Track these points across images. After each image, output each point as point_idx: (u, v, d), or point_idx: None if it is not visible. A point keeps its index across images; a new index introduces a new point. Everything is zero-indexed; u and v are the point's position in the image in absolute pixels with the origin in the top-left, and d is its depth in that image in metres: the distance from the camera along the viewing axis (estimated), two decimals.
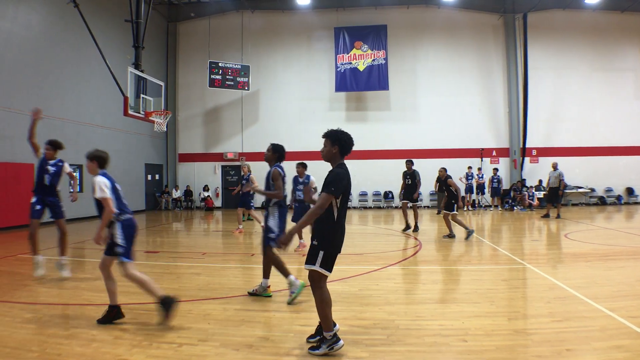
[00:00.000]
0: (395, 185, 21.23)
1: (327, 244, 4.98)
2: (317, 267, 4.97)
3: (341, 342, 4.93)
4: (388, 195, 27.00)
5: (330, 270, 5.04)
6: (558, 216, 19.16)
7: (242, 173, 15.12)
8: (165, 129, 18.64)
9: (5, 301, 7.12)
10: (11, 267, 10.15)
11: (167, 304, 5.88)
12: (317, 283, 5.05)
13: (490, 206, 25.38)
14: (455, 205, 13.84)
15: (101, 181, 6.52)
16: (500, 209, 24.70)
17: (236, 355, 4.93)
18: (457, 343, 5.22)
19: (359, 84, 27.00)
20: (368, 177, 27.04)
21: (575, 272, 9.04)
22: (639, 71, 26.93)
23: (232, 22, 28.62)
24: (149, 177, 27.21)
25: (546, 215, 19.55)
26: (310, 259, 5.01)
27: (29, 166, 17.98)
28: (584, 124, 26.63)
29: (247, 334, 5.57)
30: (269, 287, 7.39)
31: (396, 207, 26.70)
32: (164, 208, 27.85)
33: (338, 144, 5.25)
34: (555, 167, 19.53)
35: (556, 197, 19.32)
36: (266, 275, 7.36)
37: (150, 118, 17.30)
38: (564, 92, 26.80)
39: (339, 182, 4.89)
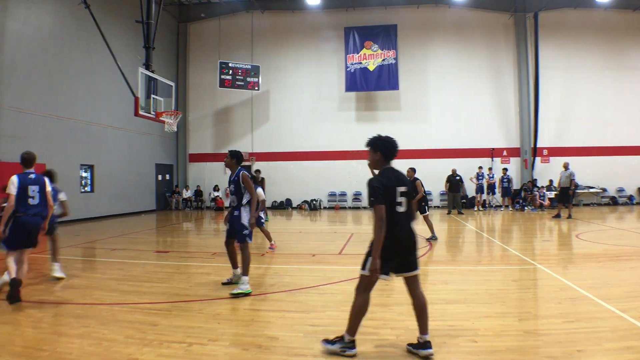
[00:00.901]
0: None
1: (379, 251, 4.83)
2: (364, 271, 4.97)
3: (355, 351, 4.92)
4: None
5: (386, 273, 4.97)
6: (569, 216, 19.03)
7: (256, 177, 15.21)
8: (175, 129, 18.70)
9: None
10: None
11: (14, 286, 6.85)
12: (362, 288, 5.05)
13: (500, 206, 25.26)
14: (426, 207, 13.77)
15: (12, 179, 7.66)
16: (510, 209, 24.56)
17: (246, 355, 4.94)
18: (467, 343, 5.20)
19: (369, 83, 26.96)
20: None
21: (586, 273, 8.99)
22: None
23: (242, 22, 28.68)
24: (160, 177, 27.33)
25: (557, 216, 19.43)
26: (362, 264, 5.02)
27: (40, 167, 18.11)
28: (595, 123, 26.43)
29: (257, 333, 5.59)
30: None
31: None
32: (175, 208, 27.94)
33: (380, 150, 5.30)
34: (566, 166, 19.39)
35: (567, 197, 19.18)
36: (235, 265, 8.29)
37: (161, 118, 17.36)
38: (575, 92, 26.61)
39: (377, 192, 4.88)
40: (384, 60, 26.76)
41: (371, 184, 4.97)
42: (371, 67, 26.83)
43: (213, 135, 29.46)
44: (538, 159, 26.55)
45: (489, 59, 27.19)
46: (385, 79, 26.76)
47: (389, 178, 5.05)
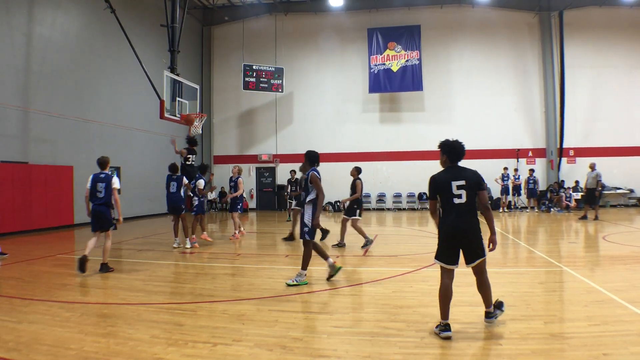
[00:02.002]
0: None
1: (438, 239, 5.75)
2: (434, 260, 5.78)
3: (449, 333, 5.35)
4: (422, 197, 26.78)
5: (446, 262, 5.64)
6: (596, 218, 18.73)
7: (231, 175, 15.28)
8: (200, 132, 18.82)
9: (45, 300, 7.28)
10: (50, 267, 10.37)
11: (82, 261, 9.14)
12: (441, 274, 5.75)
13: (526, 207, 24.97)
14: (358, 210, 12.81)
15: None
16: (536, 210, 24.26)
17: (270, 356, 4.95)
18: (492, 346, 5.15)
19: (393, 84, 26.89)
20: (402, 179, 26.93)
21: (613, 275, 8.83)
22: None
23: (266, 25, 28.84)
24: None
25: (584, 217, 19.14)
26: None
27: (69, 169, 18.43)
28: (622, 123, 25.94)
29: (281, 334, 5.59)
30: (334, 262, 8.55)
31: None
32: None
33: (445, 153, 5.96)
34: (592, 167, 19.08)
35: (593, 198, 18.86)
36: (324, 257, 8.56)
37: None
38: (601, 91, 26.16)
39: (429, 188, 5.77)
40: (407, 61, 26.67)
41: (429, 181, 5.81)
42: (395, 68, 26.76)
43: (237, 137, 29.66)
44: (564, 159, 26.18)
45: (514, 58, 26.91)
46: (409, 80, 26.67)
47: (443, 175, 5.74)
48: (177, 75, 17.32)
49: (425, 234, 16.04)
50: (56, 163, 18.15)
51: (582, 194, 22.10)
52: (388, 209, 26.85)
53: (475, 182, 5.65)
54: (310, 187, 8.26)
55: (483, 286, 5.78)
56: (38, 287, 8.22)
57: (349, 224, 12.85)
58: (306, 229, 8.18)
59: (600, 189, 18.76)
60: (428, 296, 7.40)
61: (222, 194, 28.69)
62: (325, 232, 13.60)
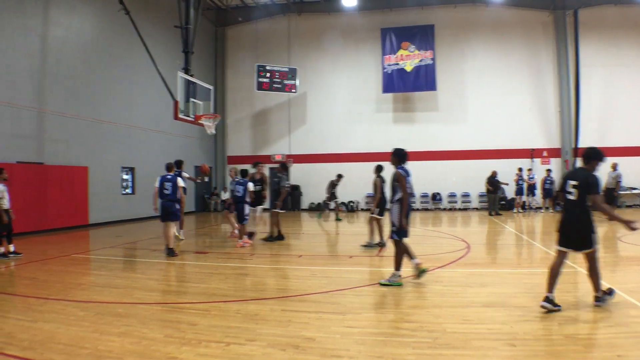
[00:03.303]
0: (443, 187, 21.09)
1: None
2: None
3: (547, 304, 6.21)
4: (436, 197, 26.69)
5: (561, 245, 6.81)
6: None
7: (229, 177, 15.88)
8: (214, 132, 18.89)
9: (60, 299, 7.34)
10: (66, 267, 10.45)
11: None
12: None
13: (540, 208, 24.76)
14: (378, 209, 12.48)
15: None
16: (551, 210, 24.02)
17: (283, 356, 4.95)
18: (505, 347, 5.10)
19: (407, 84, 26.81)
20: (416, 179, 26.50)
21: (628, 276, 8.77)
22: None
23: (279, 25, 28.88)
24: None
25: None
26: None
27: (83, 169, 18.58)
28: (637, 122, 25.59)
29: (294, 334, 5.59)
30: (419, 264, 8.44)
31: (444, 209, 26.39)
32: (213, 210, 28.28)
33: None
34: (614, 167, 18.87)
35: (612, 198, 18.66)
36: (408, 258, 8.45)
37: (200, 121, 17.56)
38: (617, 90, 25.80)
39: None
40: (421, 60, 26.58)
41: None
42: (408, 68, 26.68)
43: (251, 138, 29.73)
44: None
45: (528, 57, 26.70)
46: (422, 79, 26.58)
47: (567, 174, 7.01)
48: (191, 76, 17.39)
49: (438, 235, 15.97)
50: (71, 163, 18.29)
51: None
52: None
53: (584, 183, 6.47)
54: (396, 186, 8.20)
55: (589, 272, 6.68)
56: (53, 287, 8.29)
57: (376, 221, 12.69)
58: (394, 229, 8.16)
59: (617, 189, 18.56)
60: (441, 297, 7.36)
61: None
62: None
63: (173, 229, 11.96)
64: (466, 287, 7.94)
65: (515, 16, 26.75)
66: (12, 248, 11.25)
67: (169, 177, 11.84)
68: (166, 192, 11.66)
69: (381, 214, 12.43)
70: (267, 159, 28.80)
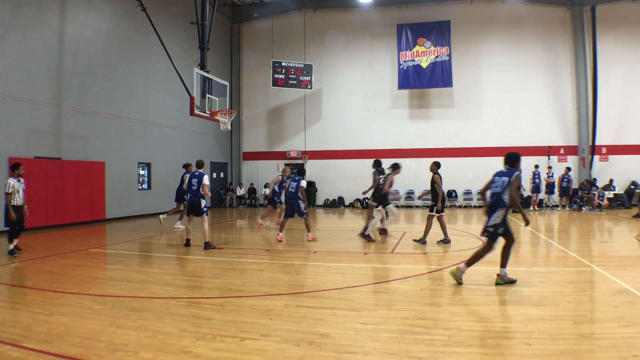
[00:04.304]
0: (459, 184, 20.96)
1: None
2: None
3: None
4: (451, 194, 26.53)
5: None
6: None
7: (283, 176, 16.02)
8: (230, 128, 18.94)
9: (77, 293, 7.42)
10: (83, 261, 10.55)
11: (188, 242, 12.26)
12: None
13: (557, 206, 24.53)
14: (435, 206, 12.78)
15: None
16: (567, 209, 23.78)
17: (297, 351, 4.96)
18: (520, 346, 5.07)
19: (422, 81, 26.68)
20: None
21: None
22: None
23: (295, 21, 28.88)
24: (214, 175, 27.81)
25: (637, 216, 18.79)
26: None
27: (100, 164, 18.74)
28: None
29: (308, 330, 5.60)
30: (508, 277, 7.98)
31: (459, 207, 26.24)
32: (229, 205, 28.39)
33: None
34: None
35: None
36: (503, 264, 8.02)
37: (216, 117, 17.61)
38: (635, 87, 25.40)
39: None
40: (437, 57, 26.43)
41: None
42: (424, 64, 26.55)
43: (266, 134, 29.79)
44: (596, 157, 25.60)
45: (545, 54, 26.43)
46: (438, 76, 26.43)
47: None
48: (207, 72, 17.44)
49: (454, 232, 15.89)
50: (88, 159, 18.45)
51: (614, 192, 21.61)
52: (417, 206, 26.68)
53: None
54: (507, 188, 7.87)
55: None
56: (70, 281, 8.37)
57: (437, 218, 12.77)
58: (499, 230, 7.95)
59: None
60: (457, 294, 7.33)
61: (251, 190, 28.89)
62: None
63: (206, 224, 12.21)
64: (482, 285, 7.90)
65: (531, 12, 26.49)
66: (15, 242, 11.12)
67: (197, 173, 12.34)
68: (193, 187, 12.19)
69: (441, 211, 12.70)
70: (283, 155, 28.85)
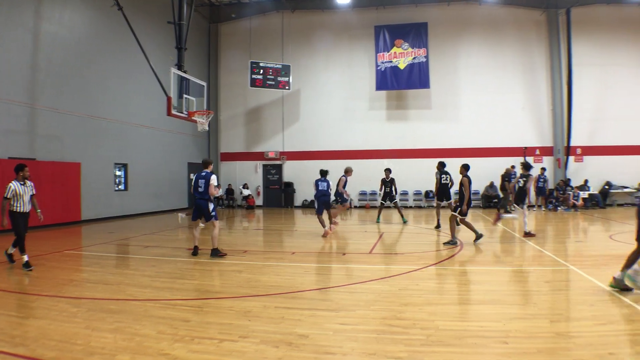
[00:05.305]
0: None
1: None
2: None
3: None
4: (429, 195, 26.67)
5: None
6: None
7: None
8: (207, 129, 18.83)
9: (53, 295, 7.32)
10: (58, 263, 10.42)
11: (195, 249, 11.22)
12: None
13: (533, 206, 24.82)
14: (459, 208, 12.84)
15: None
16: (543, 209, 24.10)
17: (276, 352, 4.95)
18: (497, 345, 5.13)
19: (400, 82, 26.82)
20: (409, 176, 26.72)
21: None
22: None
23: (273, 22, 28.82)
24: (192, 175, 27.61)
25: None
26: None
27: (76, 165, 18.52)
28: (631, 121, 25.69)
29: (287, 331, 5.59)
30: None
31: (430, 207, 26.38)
32: None
33: None
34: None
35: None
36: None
37: (193, 118, 17.52)
38: (609, 89, 25.91)
39: None
40: (414, 58, 26.59)
41: None
42: (402, 66, 26.69)
43: (244, 135, 29.66)
44: (571, 158, 26.02)
45: (521, 56, 26.78)
46: (416, 77, 26.59)
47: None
48: (185, 72, 17.35)
49: (432, 232, 16.00)
50: (64, 159, 18.20)
51: (589, 193, 21.98)
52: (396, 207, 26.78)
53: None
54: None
55: None
56: (45, 283, 8.26)
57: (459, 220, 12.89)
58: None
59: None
60: (434, 294, 7.39)
61: (229, 191, 28.77)
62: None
63: (216, 229, 11.36)
64: (459, 285, 7.97)
65: (508, 14, 26.82)
66: (10, 250, 10.13)
67: (203, 174, 11.34)
68: (200, 189, 11.20)
69: (465, 213, 12.75)
70: (261, 155, 28.77)
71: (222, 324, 5.88)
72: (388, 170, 18.95)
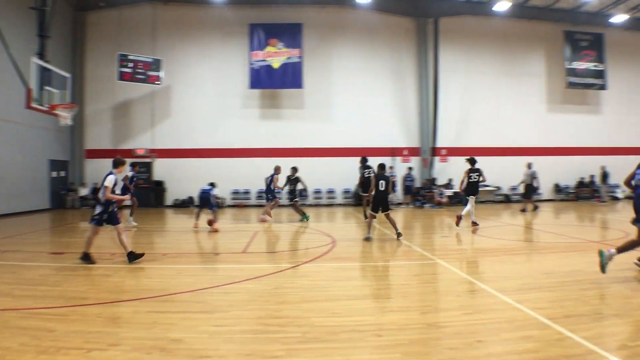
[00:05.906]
0: (309, 183, 21.32)
1: None
2: None
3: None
4: (301, 193, 27.04)
5: None
6: (535, 208, 22.06)
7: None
8: (71, 123, 17.85)
9: None
10: None
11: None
12: None
13: (401, 203, 26.09)
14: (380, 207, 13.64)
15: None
16: (411, 206, 25.44)
17: (149, 359, 4.81)
18: (372, 338, 5.36)
19: (274, 81, 26.96)
20: (283, 176, 26.73)
21: (483, 267, 9.51)
22: (544, 77, 29.12)
23: (144, 13, 27.78)
24: (54, 173, 25.95)
25: (523, 210, 21.76)
26: None
27: None
28: (492, 125, 28.26)
29: (160, 336, 5.47)
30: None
31: (310, 205, 26.80)
32: (71, 206, 26.65)
33: None
34: (529, 166, 21.83)
35: (529, 193, 21.85)
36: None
37: (55, 111, 16.53)
38: (473, 95, 28.31)
39: None
40: (288, 58, 26.85)
41: None
42: (276, 65, 26.84)
43: (112, 130, 28.33)
44: (437, 158, 27.67)
45: (392, 61, 28.04)
46: (289, 77, 26.86)
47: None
48: (47, 62, 16.36)
49: (304, 230, 16.25)
50: None
51: (455, 191, 23.57)
52: (253, 206, 26.85)
53: None
54: None
55: None
56: None
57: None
58: None
59: (536, 185, 21.90)
60: (309, 291, 7.51)
61: (95, 189, 27.38)
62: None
63: (122, 235, 10.26)
64: (333, 281, 8.18)
65: (381, 21, 27.96)
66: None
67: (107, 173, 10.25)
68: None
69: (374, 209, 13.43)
70: (129, 153, 27.63)
71: (90, 332, 5.61)
72: (294, 169, 19.27)
